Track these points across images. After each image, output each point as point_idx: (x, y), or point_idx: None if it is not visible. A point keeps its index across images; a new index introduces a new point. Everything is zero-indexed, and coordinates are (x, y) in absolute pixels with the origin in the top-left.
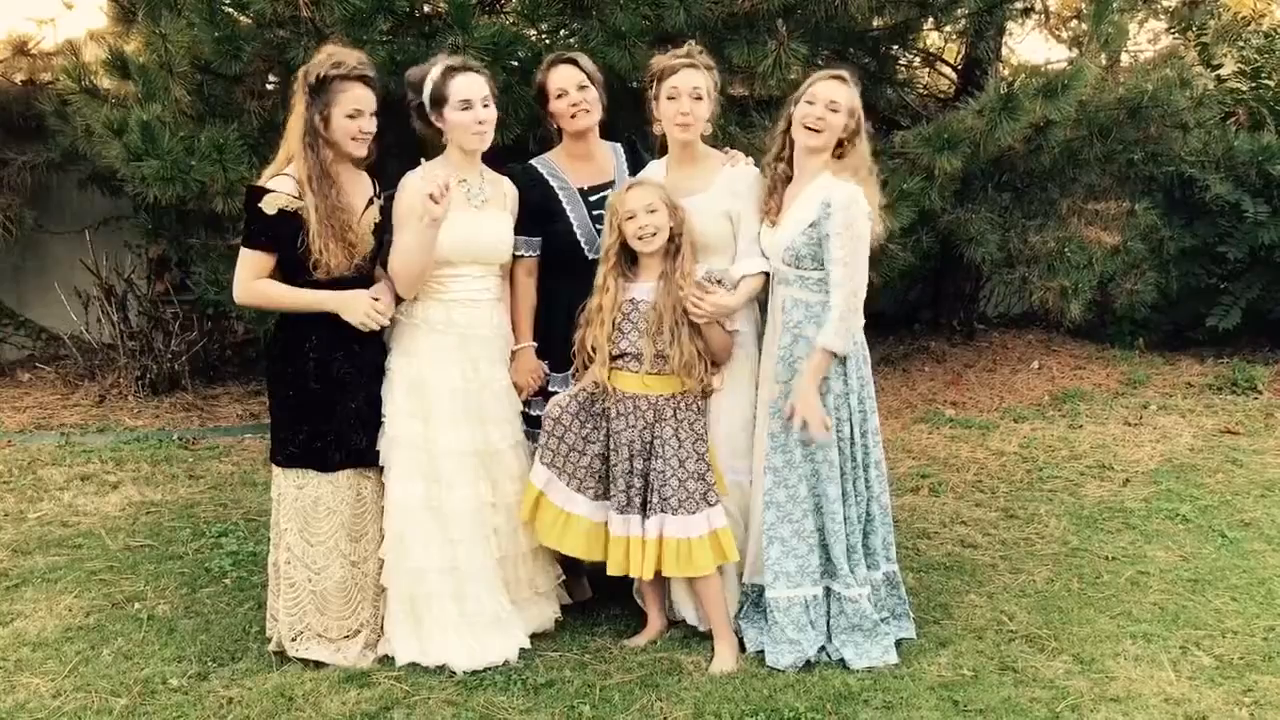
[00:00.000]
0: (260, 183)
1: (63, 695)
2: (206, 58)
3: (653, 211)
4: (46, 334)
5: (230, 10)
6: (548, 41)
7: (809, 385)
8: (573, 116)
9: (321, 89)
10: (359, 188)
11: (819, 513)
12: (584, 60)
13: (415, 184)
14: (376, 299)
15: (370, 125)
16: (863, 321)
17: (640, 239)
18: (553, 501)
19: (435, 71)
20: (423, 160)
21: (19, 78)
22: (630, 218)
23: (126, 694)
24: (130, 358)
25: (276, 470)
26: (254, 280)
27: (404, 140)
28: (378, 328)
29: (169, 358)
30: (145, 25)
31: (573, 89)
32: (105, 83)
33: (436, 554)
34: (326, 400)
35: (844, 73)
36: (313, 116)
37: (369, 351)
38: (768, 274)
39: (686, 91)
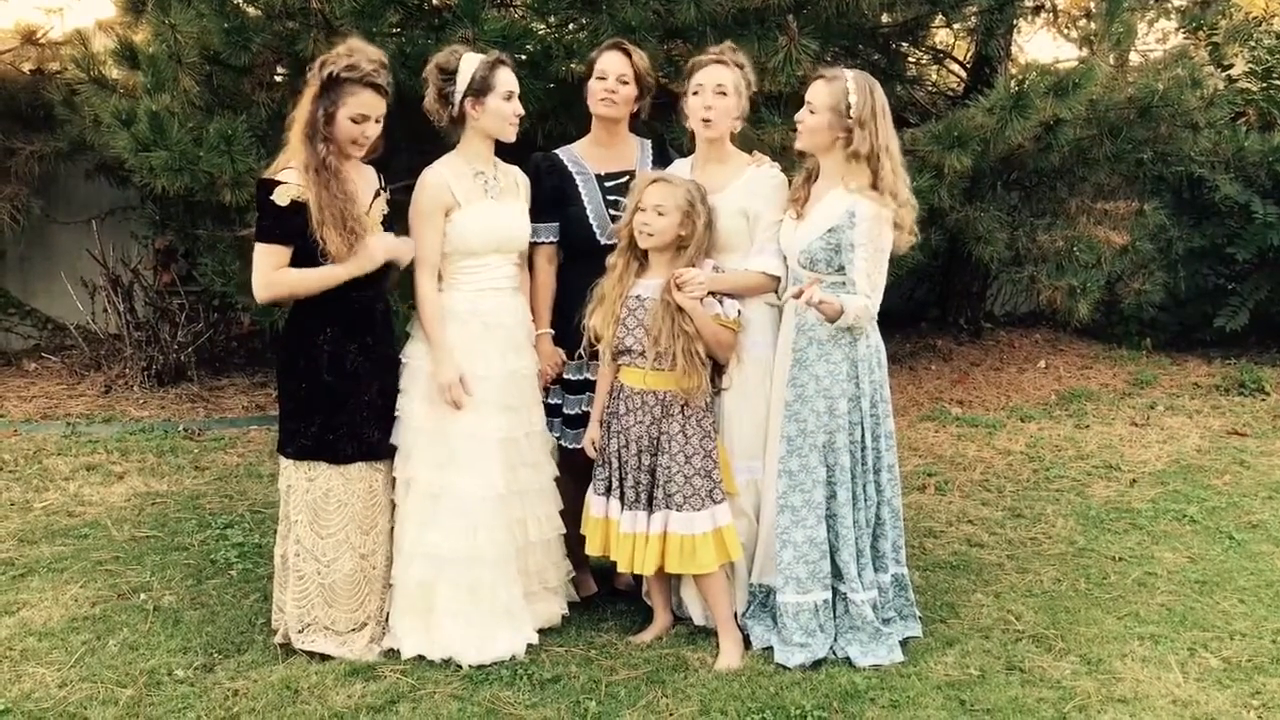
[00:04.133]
0: (269, 175)
1: (69, 685)
2: (215, 49)
3: (661, 214)
4: (53, 324)
5: (239, 1)
6: (557, 35)
7: (812, 295)
8: (601, 100)
9: (332, 86)
10: (364, 181)
11: (832, 516)
12: (639, 56)
13: (434, 180)
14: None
15: (373, 131)
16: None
17: (639, 232)
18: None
19: (476, 60)
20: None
21: (27, 67)
22: (640, 209)
23: (132, 685)
24: (136, 348)
25: (286, 462)
26: (273, 274)
27: (414, 134)
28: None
29: (175, 348)
30: (154, 15)
31: (612, 76)
32: (114, 73)
33: (453, 541)
34: (339, 392)
35: (833, 71)
36: (318, 110)
37: (382, 344)
38: (776, 278)
39: (710, 87)
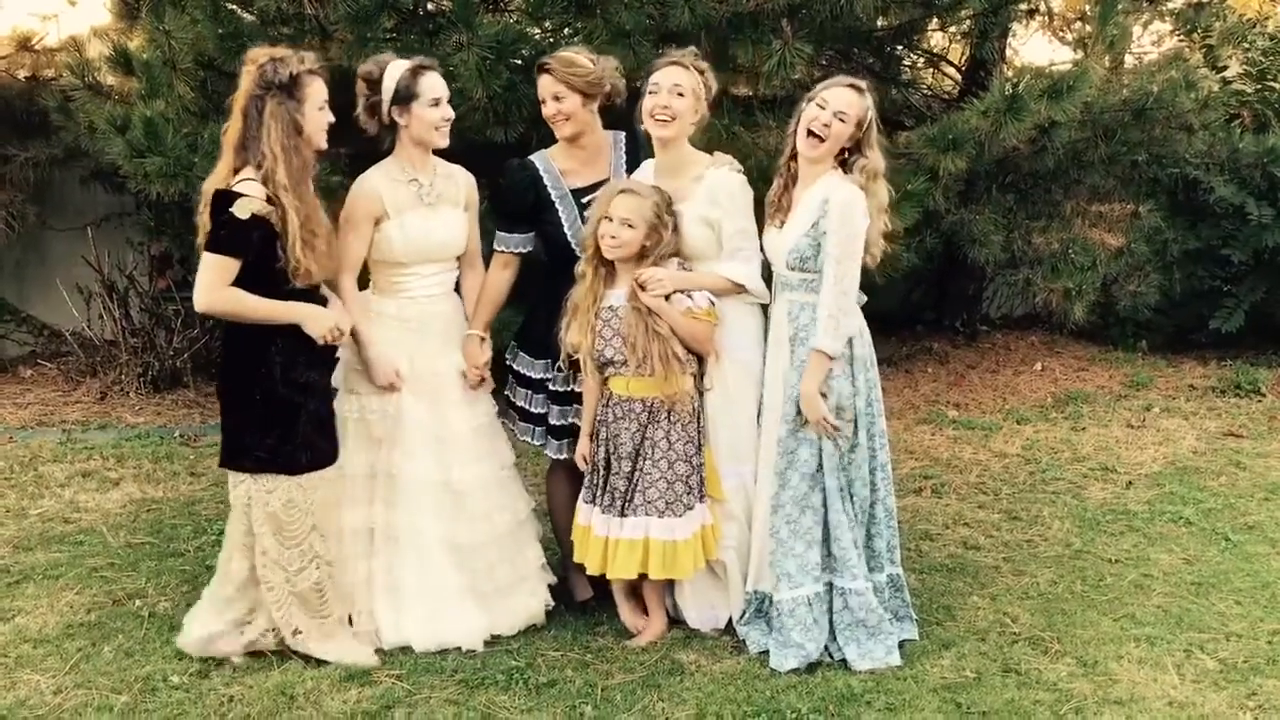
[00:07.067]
0: (227, 186)
1: (64, 692)
2: (210, 54)
3: (629, 226)
4: (48, 330)
5: (234, 7)
6: (551, 40)
7: (810, 389)
8: (554, 126)
9: (295, 86)
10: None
11: (821, 507)
12: (560, 68)
13: (365, 190)
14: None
15: (332, 117)
16: (857, 322)
17: (605, 243)
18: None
19: (400, 69)
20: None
21: (23, 74)
22: (607, 219)
23: (127, 691)
24: (132, 354)
25: (242, 477)
26: (223, 288)
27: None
28: (333, 343)
29: (171, 354)
30: (149, 21)
31: (549, 99)
32: (109, 79)
33: (398, 523)
34: (292, 404)
35: (861, 83)
36: (290, 115)
37: (325, 351)
38: (741, 286)
39: (667, 87)
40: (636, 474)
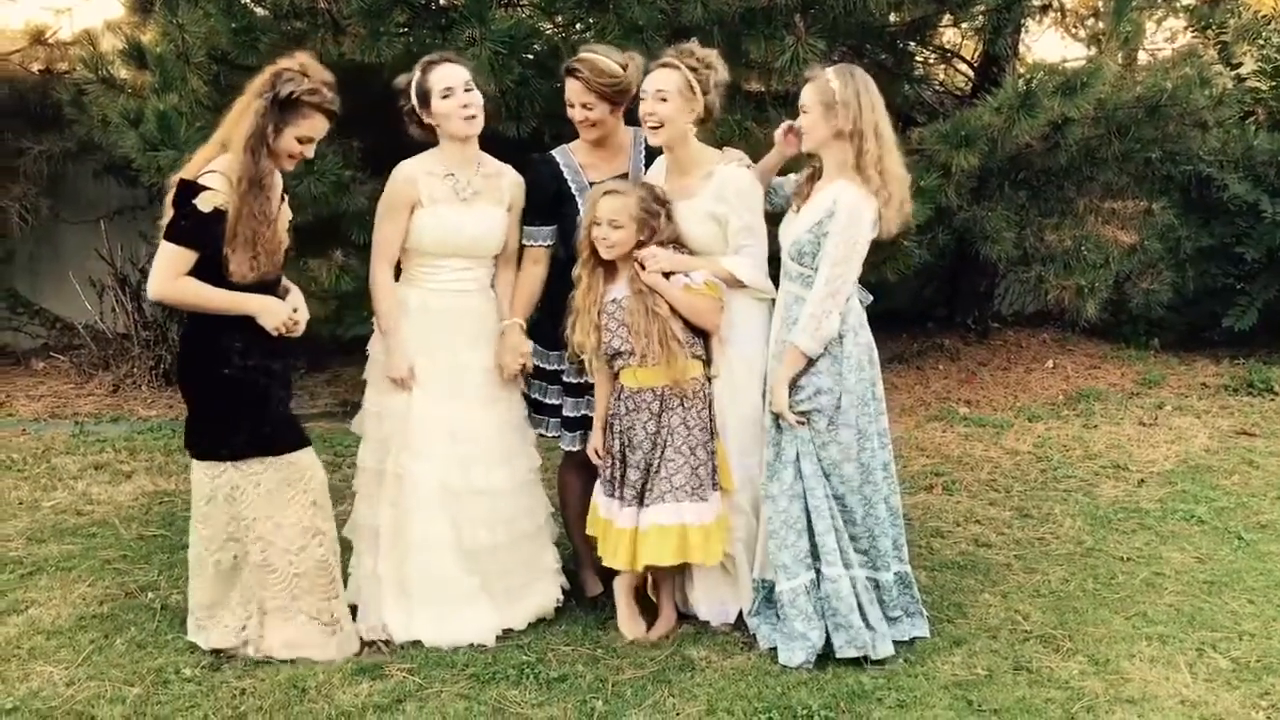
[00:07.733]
0: (192, 176)
1: (76, 684)
2: (223, 48)
3: (617, 227)
4: (61, 323)
5: (247, 1)
6: (564, 35)
7: (779, 380)
8: (581, 129)
9: (290, 106)
10: (274, 187)
11: (803, 495)
12: (592, 77)
13: (403, 176)
14: (295, 309)
15: (310, 153)
16: (837, 325)
17: (599, 245)
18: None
19: (415, 71)
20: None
21: (36, 67)
22: (596, 223)
23: (139, 683)
24: (144, 347)
25: (223, 467)
26: (178, 278)
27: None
28: (287, 334)
29: None
30: (162, 15)
31: (576, 103)
32: (122, 73)
33: (410, 526)
34: (264, 389)
35: (815, 71)
36: (267, 125)
37: (282, 345)
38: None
39: (651, 93)
40: (658, 462)
